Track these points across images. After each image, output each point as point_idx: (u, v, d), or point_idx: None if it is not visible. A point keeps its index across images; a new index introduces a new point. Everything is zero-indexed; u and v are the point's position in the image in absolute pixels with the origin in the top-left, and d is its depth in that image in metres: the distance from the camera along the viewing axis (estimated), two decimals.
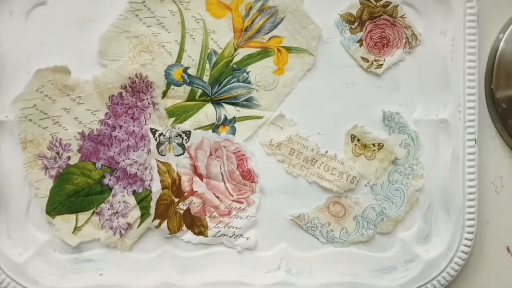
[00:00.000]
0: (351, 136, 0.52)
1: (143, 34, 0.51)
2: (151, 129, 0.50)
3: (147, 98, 0.51)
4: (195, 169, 0.51)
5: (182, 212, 0.51)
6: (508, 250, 0.53)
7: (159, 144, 0.51)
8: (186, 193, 0.51)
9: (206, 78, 0.51)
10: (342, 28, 0.52)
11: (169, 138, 0.51)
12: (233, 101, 0.52)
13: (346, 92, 0.52)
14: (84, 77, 0.50)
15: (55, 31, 0.50)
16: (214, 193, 0.51)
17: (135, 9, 0.50)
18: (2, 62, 0.49)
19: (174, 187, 0.51)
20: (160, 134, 0.51)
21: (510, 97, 0.51)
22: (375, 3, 0.51)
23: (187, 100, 0.52)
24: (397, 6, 0.51)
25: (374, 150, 0.51)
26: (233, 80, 0.52)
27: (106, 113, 0.51)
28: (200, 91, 0.51)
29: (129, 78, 0.50)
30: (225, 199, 0.51)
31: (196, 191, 0.51)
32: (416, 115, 0.52)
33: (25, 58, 0.50)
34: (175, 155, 0.51)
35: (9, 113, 0.49)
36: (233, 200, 0.51)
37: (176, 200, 0.51)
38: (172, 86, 0.51)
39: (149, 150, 0.51)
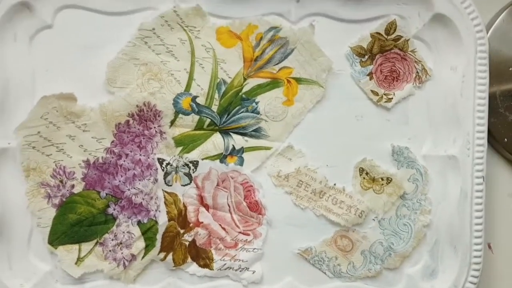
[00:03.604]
0: (359, 169, 0.51)
1: (152, 61, 0.50)
2: (158, 159, 0.50)
3: (154, 127, 0.50)
4: (201, 200, 0.51)
5: (187, 243, 0.51)
6: (489, 247, 0.53)
7: (166, 174, 0.50)
8: (191, 224, 0.51)
9: (214, 108, 0.51)
10: (353, 60, 0.51)
11: (176, 167, 0.50)
12: (242, 131, 0.51)
13: (356, 125, 0.52)
14: (90, 104, 0.49)
15: (60, 56, 0.49)
16: (220, 225, 0.51)
17: (144, 36, 0.49)
18: (5, 87, 0.48)
19: (180, 218, 0.50)
20: (168, 164, 0.50)
21: None
22: (386, 36, 0.51)
23: (195, 129, 0.51)
24: (408, 40, 0.51)
25: (382, 184, 0.51)
26: (242, 110, 0.51)
27: (112, 141, 0.50)
28: (208, 121, 0.51)
29: (137, 106, 0.49)
30: (232, 231, 0.51)
31: (202, 222, 0.51)
32: (424, 150, 0.52)
33: (29, 84, 0.49)
34: (182, 185, 0.50)
35: (11, 140, 0.48)
36: (240, 232, 0.51)
37: (182, 231, 0.51)
38: (180, 115, 0.50)
39: (156, 180, 0.50)
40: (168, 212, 0.50)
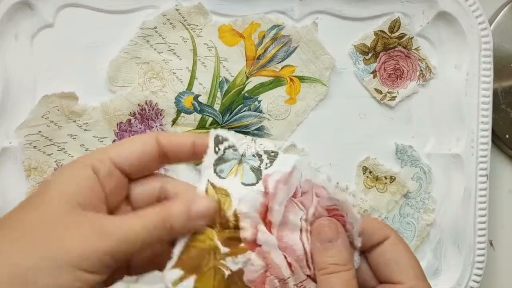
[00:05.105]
0: (363, 168, 0.51)
1: (154, 60, 0.49)
2: (217, 136, 0.30)
3: (156, 126, 0.50)
4: (265, 212, 0.29)
5: (228, 273, 0.28)
6: (491, 243, 0.53)
7: (220, 160, 0.30)
8: (243, 245, 0.28)
9: (217, 106, 0.50)
10: (356, 58, 0.51)
11: (242, 155, 0.31)
12: (244, 130, 0.51)
13: (359, 123, 0.51)
14: (91, 103, 0.49)
15: (61, 55, 0.49)
16: (286, 257, 0.29)
17: (146, 34, 0.49)
18: (6, 86, 0.47)
19: (226, 231, 0.28)
20: (230, 147, 0.30)
21: None
22: (389, 34, 0.51)
23: (197, 128, 0.50)
24: (412, 38, 0.51)
25: (386, 183, 0.51)
26: (244, 109, 0.51)
27: (114, 140, 0.49)
28: (210, 119, 0.50)
29: (139, 105, 0.49)
30: (299, 272, 0.29)
31: (260, 246, 0.29)
32: (428, 148, 0.51)
33: (31, 83, 0.48)
34: (243, 183, 0.29)
35: (13, 140, 0.48)
36: (308, 276, 0.29)
37: (224, 249, 0.28)
38: (182, 114, 0.50)
39: None
40: None
